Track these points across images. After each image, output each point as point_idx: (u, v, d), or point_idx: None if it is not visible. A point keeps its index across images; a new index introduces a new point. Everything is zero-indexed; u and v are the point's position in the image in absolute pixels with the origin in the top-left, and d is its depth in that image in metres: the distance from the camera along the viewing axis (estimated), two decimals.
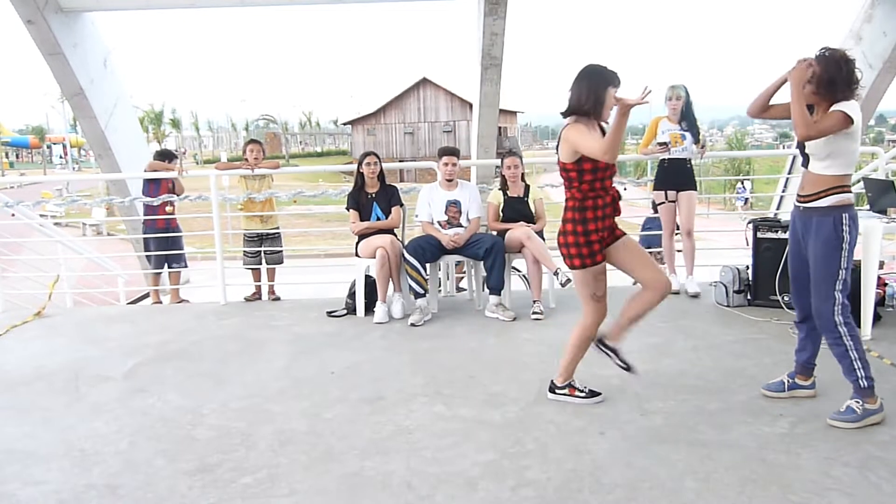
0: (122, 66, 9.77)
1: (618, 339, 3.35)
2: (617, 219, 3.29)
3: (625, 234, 3.29)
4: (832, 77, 2.97)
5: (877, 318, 4.42)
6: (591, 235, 3.15)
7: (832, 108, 2.97)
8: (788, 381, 3.40)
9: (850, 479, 2.60)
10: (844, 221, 3.05)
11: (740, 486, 2.57)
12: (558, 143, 3.19)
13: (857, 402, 3.04)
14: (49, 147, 62.23)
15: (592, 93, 3.08)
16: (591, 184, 3.13)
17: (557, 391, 3.44)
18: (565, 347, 3.42)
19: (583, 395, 3.41)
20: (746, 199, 24.93)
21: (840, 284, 3.07)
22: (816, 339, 3.35)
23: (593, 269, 3.19)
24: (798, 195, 3.21)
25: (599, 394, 3.42)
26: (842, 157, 3.04)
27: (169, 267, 6.59)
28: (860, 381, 3.05)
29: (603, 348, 3.36)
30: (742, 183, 28.20)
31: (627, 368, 3.35)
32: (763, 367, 3.76)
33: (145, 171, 6.65)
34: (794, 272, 3.32)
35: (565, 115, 3.16)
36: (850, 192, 3.11)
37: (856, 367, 3.05)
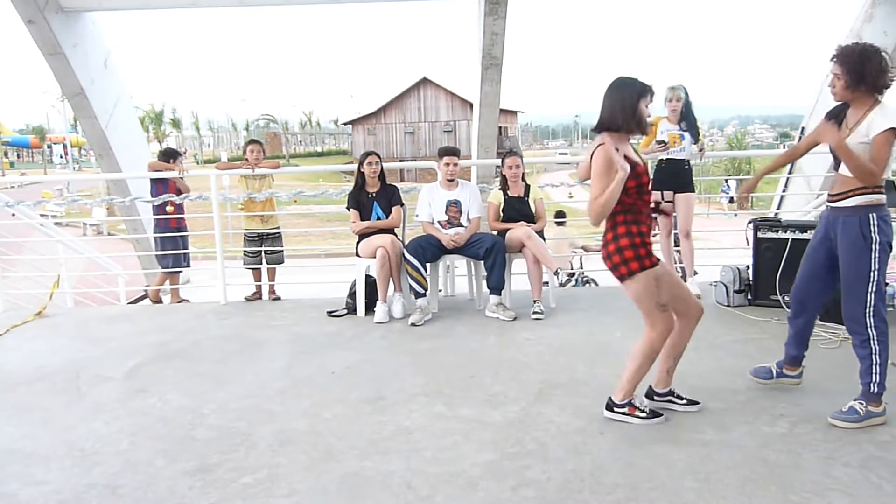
0: (123, 66, 9.77)
1: (669, 383, 3.26)
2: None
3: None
4: (860, 73, 2.93)
5: None
6: (646, 237, 3.02)
7: (877, 131, 2.91)
8: (776, 370, 3.42)
9: (850, 479, 2.60)
10: (872, 222, 2.98)
11: (741, 486, 2.57)
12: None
13: (861, 404, 3.02)
14: (49, 147, 62.30)
15: (627, 106, 2.98)
16: (637, 190, 3.02)
17: (616, 409, 3.15)
18: (627, 362, 3.16)
19: (644, 415, 3.13)
20: (732, 198, 25.03)
21: (873, 286, 3.00)
22: (806, 336, 3.36)
23: (654, 270, 3.00)
24: (829, 194, 3.17)
25: (661, 414, 3.17)
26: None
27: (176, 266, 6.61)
28: (872, 386, 3.03)
29: (660, 399, 3.26)
30: (727, 181, 28.39)
31: (695, 402, 3.26)
32: None
33: (149, 171, 6.67)
34: (806, 269, 3.28)
35: (597, 129, 3.05)
36: (882, 192, 3.03)
37: (874, 371, 3.03)
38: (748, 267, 5.14)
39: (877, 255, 2.99)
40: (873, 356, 3.02)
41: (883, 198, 3.05)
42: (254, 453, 2.98)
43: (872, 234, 2.98)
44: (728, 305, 5.09)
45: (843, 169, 3.05)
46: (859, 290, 3.02)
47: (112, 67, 9.05)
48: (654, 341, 3.08)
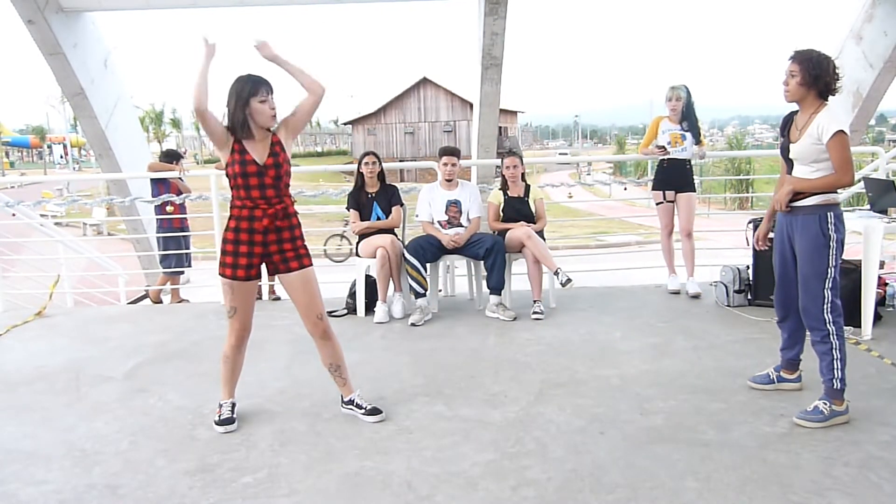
0: (123, 66, 9.77)
1: (349, 391, 3.35)
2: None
3: (305, 266, 3.18)
4: (816, 74, 3.03)
5: (877, 317, 4.42)
6: (241, 247, 3.08)
7: (828, 136, 2.99)
8: (775, 375, 3.48)
9: (850, 479, 2.60)
10: (830, 220, 3.08)
11: (741, 486, 2.57)
12: None
13: (825, 403, 3.07)
14: (49, 147, 62.35)
15: (237, 110, 3.01)
16: (237, 189, 3.07)
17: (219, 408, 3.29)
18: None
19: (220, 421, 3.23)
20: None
21: (830, 283, 3.09)
22: (800, 338, 3.41)
23: (230, 282, 3.12)
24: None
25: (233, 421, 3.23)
26: (826, 163, 3.07)
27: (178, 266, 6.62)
28: (834, 382, 3.08)
29: (345, 407, 3.35)
30: None
31: (377, 412, 3.28)
32: (764, 367, 3.75)
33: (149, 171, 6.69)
34: (779, 272, 3.36)
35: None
36: (836, 191, 3.13)
37: (835, 366, 3.09)
38: (748, 267, 5.13)
39: (834, 252, 3.08)
40: (833, 351, 3.09)
41: (838, 196, 3.16)
42: (254, 453, 2.98)
43: (830, 232, 3.08)
44: (728, 305, 5.09)
45: (797, 170, 3.15)
46: (817, 286, 3.10)
47: (112, 67, 9.05)
48: (225, 347, 3.29)
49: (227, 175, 3.10)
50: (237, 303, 3.17)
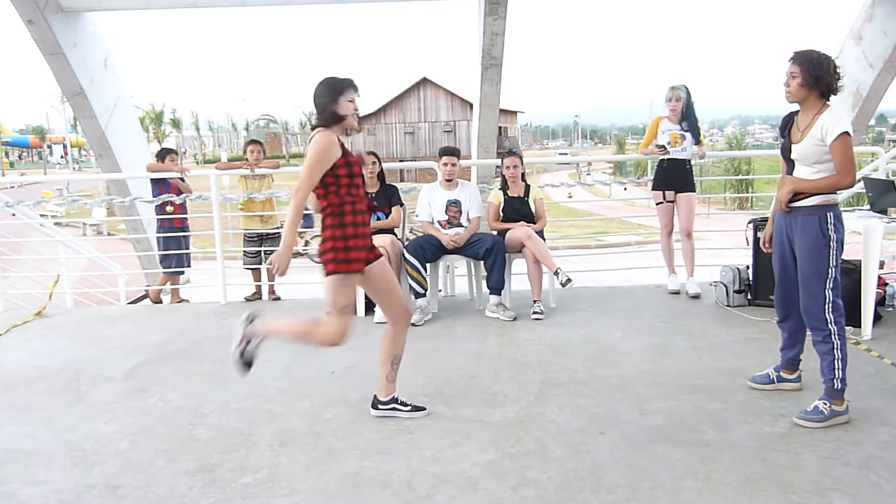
0: (123, 66, 9.77)
1: (392, 390, 3.31)
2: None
3: (382, 254, 3.21)
4: (817, 74, 3.02)
5: (877, 317, 4.42)
6: (350, 241, 3.01)
7: (833, 137, 2.99)
8: (775, 375, 3.49)
9: (850, 479, 2.60)
10: (829, 220, 3.08)
11: (741, 486, 2.57)
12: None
13: (825, 404, 3.07)
14: (49, 147, 62.38)
15: (327, 105, 3.03)
16: (348, 188, 3.04)
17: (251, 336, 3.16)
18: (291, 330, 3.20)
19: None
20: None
21: (831, 283, 3.09)
22: (800, 338, 3.41)
23: (347, 276, 3.01)
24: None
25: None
26: (828, 164, 3.07)
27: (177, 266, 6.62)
28: (835, 382, 3.08)
29: (385, 409, 3.30)
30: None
31: (421, 408, 3.31)
32: (764, 367, 3.75)
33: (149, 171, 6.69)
34: (779, 272, 3.35)
35: (314, 128, 3.11)
36: (835, 192, 3.13)
37: (836, 367, 3.09)
38: (748, 267, 5.14)
39: (834, 252, 3.09)
40: (835, 351, 3.09)
41: (837, 197, 3.17)
42: (254, 453, 2.98)
43: (830, 233, 3.08)
44: (728, 305, 5.09)
45: (799, 171, 3.15)
46: (818, 286, 3.10)
47: (112, 67, 9.05)
48: (315, 333, 3.09)
49: (335, 177, 3.00)
50: (352, 296, 3.10)
